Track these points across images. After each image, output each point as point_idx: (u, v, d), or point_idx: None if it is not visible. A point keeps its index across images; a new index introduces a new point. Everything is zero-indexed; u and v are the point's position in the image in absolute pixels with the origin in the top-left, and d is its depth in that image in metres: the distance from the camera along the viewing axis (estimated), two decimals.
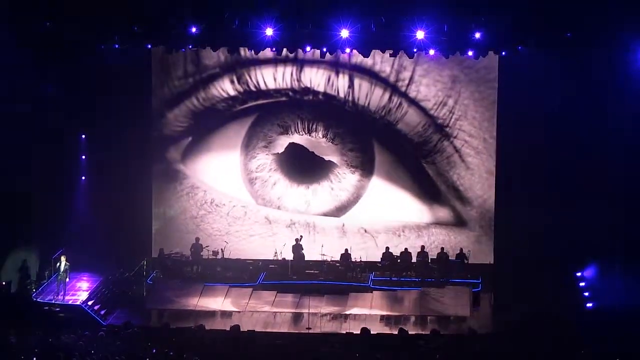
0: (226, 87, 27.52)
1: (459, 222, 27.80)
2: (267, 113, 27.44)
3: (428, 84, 27.33)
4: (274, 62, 26.76)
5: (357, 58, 26.75)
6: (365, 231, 28.26)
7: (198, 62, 27.33)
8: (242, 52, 26.88)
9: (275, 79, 27.38)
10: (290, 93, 27.54)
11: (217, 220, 28.31)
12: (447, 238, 27.80)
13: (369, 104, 27.01)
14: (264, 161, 28.15)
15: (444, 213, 27.98)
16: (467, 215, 27.81)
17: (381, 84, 26.82)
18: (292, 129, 27.86)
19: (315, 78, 27.38)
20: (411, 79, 27.16)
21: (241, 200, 28.46)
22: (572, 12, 26.18)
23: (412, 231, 27.95)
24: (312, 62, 26.59)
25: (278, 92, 27.44)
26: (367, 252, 30.31)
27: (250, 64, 26.99)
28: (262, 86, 27.43)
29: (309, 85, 27.53)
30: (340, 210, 28.72)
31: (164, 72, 27.67)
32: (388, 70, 27.07)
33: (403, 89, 26.99)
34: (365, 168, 27.86)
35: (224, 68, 27.27)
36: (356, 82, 27.07)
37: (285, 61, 26.72)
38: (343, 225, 28.39)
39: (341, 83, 27.29)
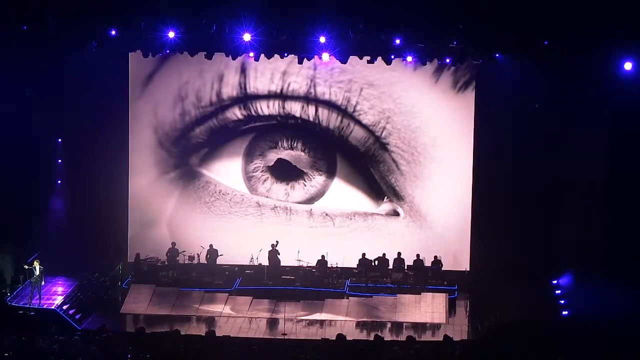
0: (236, 113, 33.15)
1: (394, 212, 33.16)
2: (262, 132, 33.40)
3: (368, 110, 32.95)
4: (267, 97, 33.11)
5: (319, 91, 32.94)
6: (327, 214, 33.34)
7: (220, 94, 33.00)
8: (248, 89, 33.07)
9: (268, 107, 33.00)
10: (279, 118, 33.18)
11: (222, 204, 33.58)
12: (385, 222, 33.22)
13: (328, 125, 32.90)
14: (259, 165, 33.47)
15: (384, 205, 33.25)
16: (400, 208, 33.04)
17: (335, 110, 32.88)
18: (280, 144, 33.39)
19: (294, 107, 33.03)
20: (356, 105, 32.78)
21: (240, 191, 33.52)
22: (550, 20, 26.10)
23: (360, 216, 33.28)
24: (292, 97, 33.09)
25: (270, 117, 33.17)
26: (344, 258, 31.03)
27: (252, 97, 33.07)
28: (260, 112, 33.05)
29: (291, 113, 33.09)
30: (309, 200, 33.53)
31: (194, 96, 33.57)
32: (340, 100, 32.81)
33: (350, 112, 32.81)
34: (330, 171, 33.46)
35: (235, 100, 33.13)
36: (319, 109, 32.93)
37: (275, 96, 33.09)
38: (311, 210, 33.44)
39: (311, 111, 32.95)
